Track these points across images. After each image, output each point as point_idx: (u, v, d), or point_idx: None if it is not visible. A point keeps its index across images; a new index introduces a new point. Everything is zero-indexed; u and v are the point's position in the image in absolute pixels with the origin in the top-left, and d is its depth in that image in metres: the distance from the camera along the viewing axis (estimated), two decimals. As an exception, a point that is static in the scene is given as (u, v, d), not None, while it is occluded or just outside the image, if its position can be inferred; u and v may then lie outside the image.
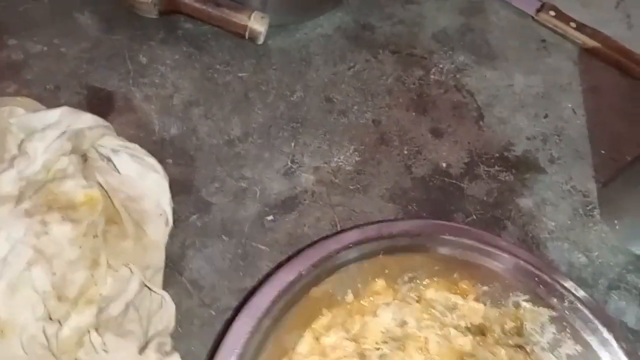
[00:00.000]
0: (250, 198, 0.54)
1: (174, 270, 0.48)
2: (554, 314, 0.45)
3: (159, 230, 0.47)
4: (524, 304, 0.46)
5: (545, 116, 0.67)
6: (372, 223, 0.45)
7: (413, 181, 0.59)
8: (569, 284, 0.45)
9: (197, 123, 0.57)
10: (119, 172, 0.48)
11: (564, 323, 0.45)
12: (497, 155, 0.62)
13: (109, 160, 0.49)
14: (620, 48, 0.73)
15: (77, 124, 0.49)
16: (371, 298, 0.46)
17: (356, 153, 0.59)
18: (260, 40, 0.61)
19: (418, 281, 0.47)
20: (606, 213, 0.60)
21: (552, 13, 0.75)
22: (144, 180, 0.48)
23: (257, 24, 0.59)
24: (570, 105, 0.69)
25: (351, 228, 0.44)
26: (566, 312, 0.45)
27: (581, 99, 0.70)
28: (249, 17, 0.59)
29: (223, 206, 0.53)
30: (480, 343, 0.46)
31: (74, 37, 0.60)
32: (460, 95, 0.66)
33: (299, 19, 0.66)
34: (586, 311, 0.44)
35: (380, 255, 0.44)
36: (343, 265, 0.43)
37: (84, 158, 0.49)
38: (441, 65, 0.68)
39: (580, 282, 0.54)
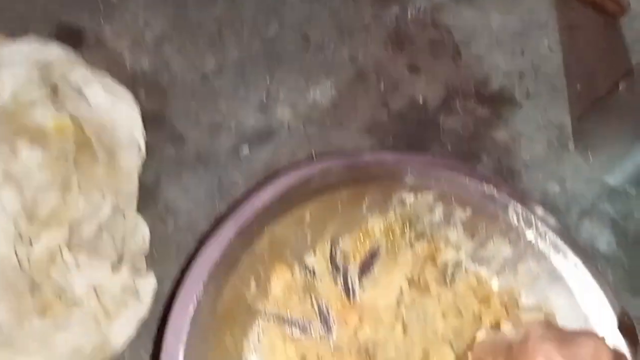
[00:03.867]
0: (226, 131, 0.54)
1: (148, 200, 0.48)
2: (435, 193, 0.46)
3: (131, 159, 0.46)
4: (406, 199, 0.46)
5: (522, 53, 0.67)
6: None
7: (390, 115, 0.59)
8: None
9: (169, 58, 0.56)
10: (89, 103, 0.48)
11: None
12: (474, 90, 0.62)
13: (80, 91, 0.48)
14: (596, -15, 0.73)
15: (46, 56, 0.49)
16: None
17: (333, 88, 0.59)
18: (234, -24, 0.60)
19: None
20: (580, 145, 0.60)
21: (530, -49, 0.74)
22: (115, 110, 0.48)
23: (230, -42, 0.58)
24: (546, 43, 0.69)
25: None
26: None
27: (558, 36, 0.70)
28: (221, -49, 0.58)
29: (198, 139, 0.52)
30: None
31: (42, -27, 0.58)
32: (437, 33, 0.66)
33: (273, -44, 0.65)
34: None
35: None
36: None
37: (54, 89, 0.48)
38: (418, 3, 0.67)
39: (553, 210, 0.55)
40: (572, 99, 0.64)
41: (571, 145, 0.61)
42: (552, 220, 0.46)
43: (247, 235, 0.40)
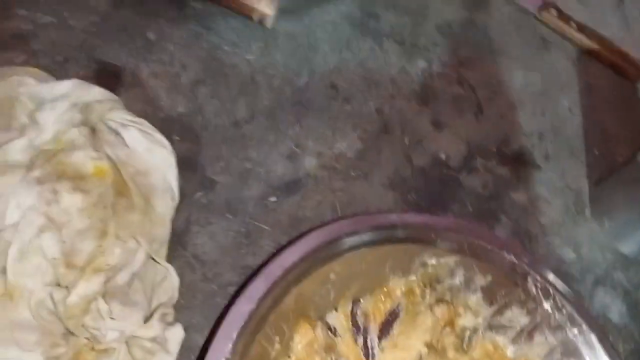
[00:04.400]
0: (254, 178, 0.55)
1: (177, 245, 0.49)
2: (456, 257, 0.47)
3: (165, 205, 0.47)
4: (429, 261, 0.47)
5: (543, 113, 0.68)
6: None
7: (413, 171, 0.60)
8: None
9: (203, 102, 0.57)
10: (127, 146, 0.49)
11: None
12: (495, 149, 0.64)
13: (118, 134, 0.49)
14: (618, 50, 0.75)
15: (86, 96, 0.50)
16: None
17: (358, 140, 0.60)
18: (269, 24, 0.61)
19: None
20: (597, 211, 0.62)
21: (554, 12, 0.76)
22: (152, 155, 0.49)
23: (267, 7, 0.60)
24: (567, 104, 0.71)
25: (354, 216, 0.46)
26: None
27: (578, 98, 0.72)
28: (259, 0, 0.60)
29: (228, 185, 0.54)
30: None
31: (83, 10, 0.60)
32: (461, 89, 0.67)
33: (308, 5, 0.67)
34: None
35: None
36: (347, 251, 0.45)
37: (93, 131, 0.49)
38: (444, 58, 0.69)
39: (568, 277, 0.56)
40: (590, 163, 0.66)
41: (587, 211, 0.62)
42: (569, 293, 0.48)
43: (275, 294, 0.41)
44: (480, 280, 0.48)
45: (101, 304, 0.40)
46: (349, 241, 0.45)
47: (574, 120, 0.69)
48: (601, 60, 0.76)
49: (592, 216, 0.61)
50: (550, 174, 0.64)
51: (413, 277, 0.48)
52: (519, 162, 0.63)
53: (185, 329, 0.44)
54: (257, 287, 0.40)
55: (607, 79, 0.75)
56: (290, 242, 0.43)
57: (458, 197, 0.59)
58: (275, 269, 0.41)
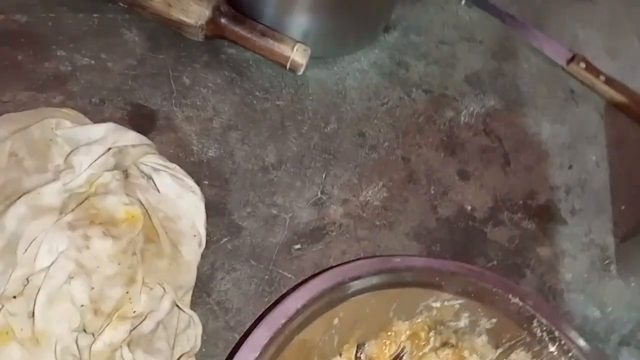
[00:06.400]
0: (280, 225, 0.55)
1: (202, 291, 0.50)
2: (461, 300, 0.47)
3: (192, 251, 0.48)
4: (433, 304, 0.47)
5: (570, 167, 0.68)
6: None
7: (438, 221, 0.60)
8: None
9: (234, 147, 0.58)
10: (158, 191, 0.50)
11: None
12: (521, 202, 0.64)
13: (150, 178, 0.50)
14: (647, 105, 0.75)
15: (121, 141, 0.51)
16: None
17: (384, 189, 0.61)
18: (301, 72, 0.63)
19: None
20: (623, 269, 0.61)
21: (582, 65, 0.76)
22: (182, 201, 0.50)
23: (299, 56, 0.61)
24: (594, 158, 0.70)
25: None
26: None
27: (605, 152, 0.71)
28: (292, 49, 0.61)
29: (253, 231, 0.54)
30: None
31: (120, 53, 0.62)
32: (488, 140, 0.68)
33: (338, 53, 0.68)
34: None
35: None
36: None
37: (126, 174, 0.50)
38: (472, 108, 0.69)
39: (593, 336, 0.56)
40: (617, 219, 0.65)
41: (613, 268, 0.61)
42: (575, 335, 0.47)
43: (278, 342, 0.41)
44: (486, 323, 0.48)
45: (126, 352, 0.40)
46: (353, 286, 0.45)
47: (601, 174, 0.69)
48: (630, 114, 0.75)
49: (618, 273, 0.61)
50: (576, 229, 0.63)
51: (418, 320, 0.48)
52: (545, 216, 0.63)
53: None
54: (260, 336, 0.41)
55: (635, 132, 0.74)
56: (294, 288, 0.43)
57: (483, 250, 0.59)
58: (278, 316, 0.42)
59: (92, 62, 0.60)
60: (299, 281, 0.52)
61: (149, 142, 0.53)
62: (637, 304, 0.59)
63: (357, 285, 0.45)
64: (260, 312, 0.50)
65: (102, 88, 0.59)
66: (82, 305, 0.41)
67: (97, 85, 0.59)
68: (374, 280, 0.46)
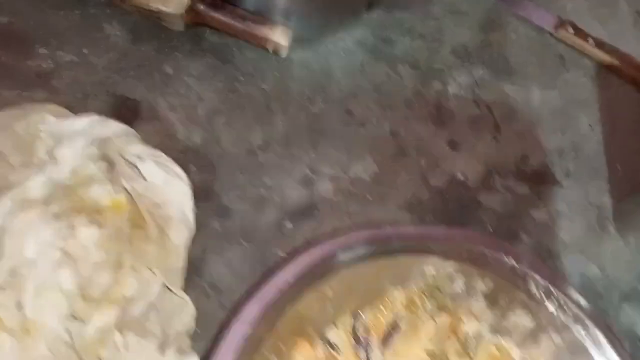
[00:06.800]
0: (270, 205, 0.55)
1: (194, 274, 0.50)
2: (455, 264, 0.47)
3: (181, 235, 0.48)
4: (427, 270, 0.47)
5: (562, 131, 0.68)
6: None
7: (430, 192, 0.60)
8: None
9: (220, 132, 0.58)
10: (144, 179, 0.50)
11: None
12: (514, 168, 0.63)
13: (135, 167, 0.51)
14: (638, 65, 0.74)
15: (104, 131, 0.51)
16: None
17: (374, 164, 0.60)
18: (284, 54, 0.62)
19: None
20: (621, 228, 0.61)
21: (571, 30, 0.75)
22: (169, 187, 0.50)
23: (281, 38, 0.61)
24: (587, 121, 0.69)
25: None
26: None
27: (598, 115, 0.70)
28: (274, 32, 0.61)
29: (243, 213, 0.54)
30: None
31: (102, 47, 0.62)
32: (478, 109, 0.67)
33: (321, 33, 0.68)
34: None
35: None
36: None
37: (111, 164, 0.50)
38: (460, 80, 0.69)
39: (593, 294, 0.55)
40: (613, 180, 0.65)
41: (611, 227, 0.61)
42: (572, 292, 0.47)
43: (270, 316, 0.41)
44: (481, 285, 0.48)
45: (117, 336, 0.40)
46: (344, 256, 0.45)
47: (594, 136, 0.68)
48: (621, 76, 0.74)
49: (616, 232, 0.60)
50: (572, 191, 0.63)
51: (413, 287, 0.48)
52: (539, 180, 0.63)
53: (202, 358, 0.44)
54: (251, 310, 0.41)
55: (628, 94, 0.73)
56: (284, 261, 0.43)
57: (477, 218, 0.59)
58: (268, 290, 0.42)
59: (75, 58, 0.60)
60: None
61: (132, 131, 0.53)
62: (636, 262, 0.59)
63: (348, 255, 0.45)
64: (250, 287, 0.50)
65: (85, 83, 0.59)
66: (71, 293, 0.41)
67: (81, 81, 0.59)
68: (365, 249, 0.46)
